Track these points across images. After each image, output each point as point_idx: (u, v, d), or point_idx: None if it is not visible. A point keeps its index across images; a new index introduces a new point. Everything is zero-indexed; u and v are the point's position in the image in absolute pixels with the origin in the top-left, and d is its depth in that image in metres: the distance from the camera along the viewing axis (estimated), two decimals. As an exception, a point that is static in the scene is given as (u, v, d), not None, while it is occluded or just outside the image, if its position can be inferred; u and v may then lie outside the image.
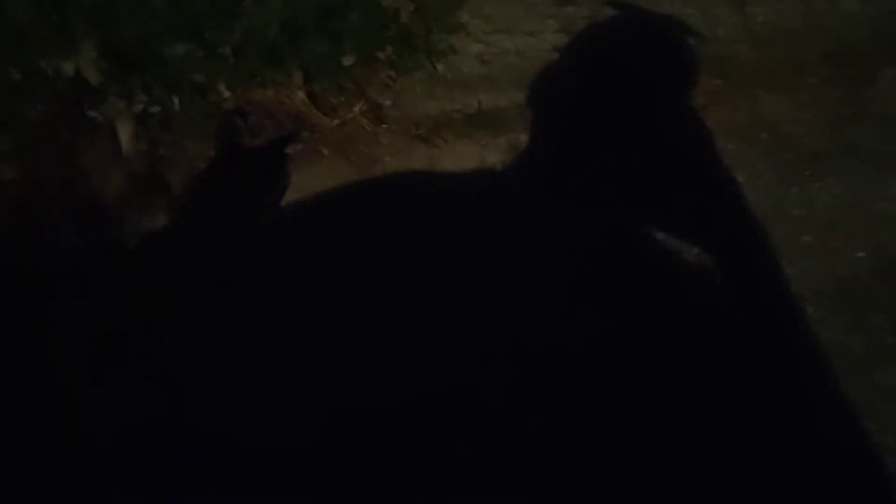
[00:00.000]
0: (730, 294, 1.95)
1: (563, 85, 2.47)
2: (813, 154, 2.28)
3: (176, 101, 2.21)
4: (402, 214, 2.07)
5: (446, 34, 2.50)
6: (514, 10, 2.62)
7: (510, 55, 2.49)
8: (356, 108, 2.28)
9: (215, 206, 2.09)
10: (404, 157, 2.22)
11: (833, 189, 2.20)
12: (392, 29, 2.45)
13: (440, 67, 2.43)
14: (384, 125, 2.28)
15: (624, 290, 1.93)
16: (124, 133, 2.05)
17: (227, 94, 2.24)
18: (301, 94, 2.27)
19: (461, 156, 2.25)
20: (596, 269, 1.98)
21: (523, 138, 2.30)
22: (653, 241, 2.05)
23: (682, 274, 2.00)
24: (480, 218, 2.08)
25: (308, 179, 2.15)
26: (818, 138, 2.33)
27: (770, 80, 2.46)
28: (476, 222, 2.07)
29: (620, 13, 2.67)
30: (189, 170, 2.12)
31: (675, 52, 2.59)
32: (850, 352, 1.81)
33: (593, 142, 2.32)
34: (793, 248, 2.04)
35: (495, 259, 1.96)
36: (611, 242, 2.07)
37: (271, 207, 2.06)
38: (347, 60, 2.34)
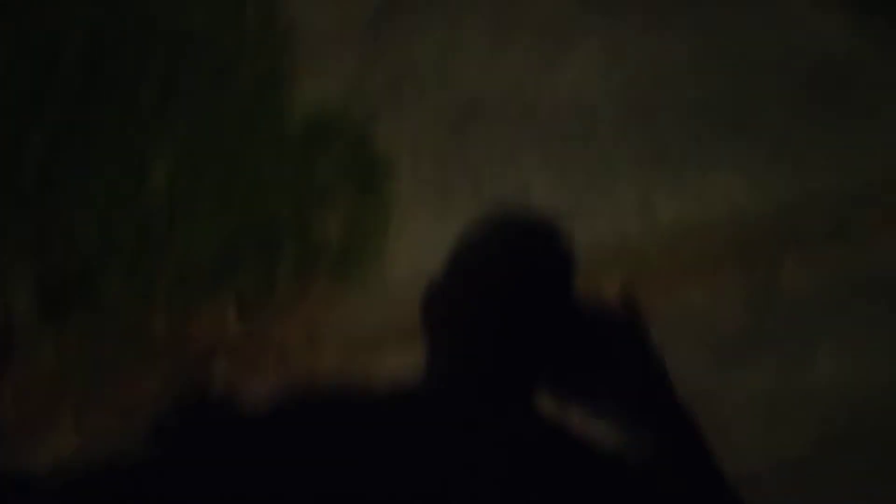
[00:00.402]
0: (676, 488, 1.95)
1: (466, 294, 2.54)
2: (738, 341, 2.39)
3: (110, 338, 2.18)
4: (338, 430, 2.04)
5: (377, 252, 2.59)
6: (440, 227, 2.73)
7: (439, 264, 2.57)
8: (291, 329, 2.29)
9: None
10: (343, 375, 2.22)
11: (766, 373, 2.29)
12: (325, 249, 2.52)
13: (373, 285, 2.48)
14: (321, 345, 2.28)
15: (563, 489, 1.91)
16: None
17: (161, 325, 2.22)
18: (235, 319, 2.27)
19: (400, 370, 2.26)
20: (534, 469, 1.97)
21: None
22: (590, 441, 2.06)
23: (623, 471, 2.00)
24: (417, 429, 2.08)
25: (245, 406, 2.10)
26: (742, 324, 2.44)
27: (684, 272, 2.60)
28: (413, 433, 2.06)
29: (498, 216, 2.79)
30: (119, 412, 2.06)
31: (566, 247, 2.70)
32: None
33: (512, 348, 2.37)
34: (736, 434, 2.07)
35: (433, 468, 1.94)
36: (547, 442, 2.07)
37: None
38: (281, 279, 2.38)
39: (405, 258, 2.58)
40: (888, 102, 3.51)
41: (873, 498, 2.01)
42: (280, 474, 1.86)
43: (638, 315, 2.43)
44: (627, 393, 2.22)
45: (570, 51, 3.80)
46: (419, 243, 2.65)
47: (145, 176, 2.60)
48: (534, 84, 3.55)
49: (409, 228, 2.70)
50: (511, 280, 2.56)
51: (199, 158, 2.71)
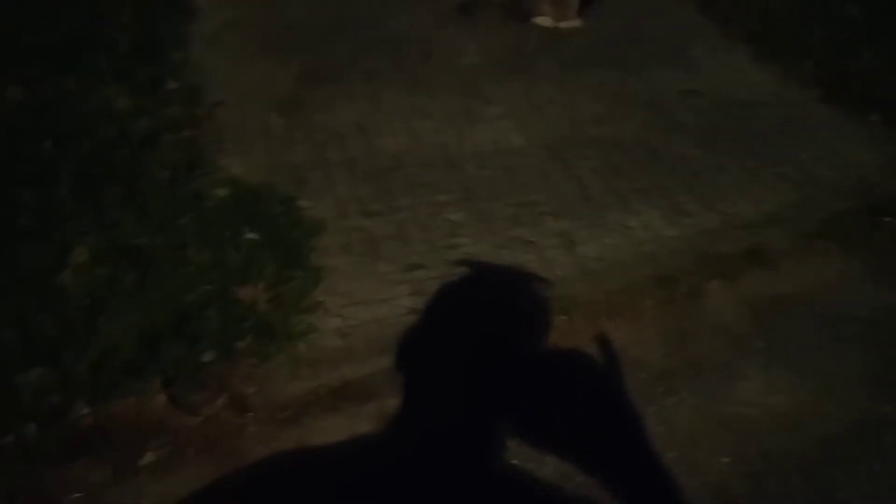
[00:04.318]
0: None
1: (429, 344, 2.57)
2: (663, 371, 2.43)
3: (32, 428, 2.15)
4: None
5: (305, 315, 2.59)
6: (368, 282, 2.76)
7: (368, 325, 2.59)
8: (219, 403, 2.27)
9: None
10: (273, 443, 2.20)
11: (688, 402, 2.33)
12: (250, 319, 2.52)
13: (301, 348, 2.48)
14: (249, 414, 2.27)
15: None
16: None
17: (85, 411, 2.20)
18: (162, 399, 2.25)
19: (331, 431, 2.26)
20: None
21: (391, 402, 2.34)
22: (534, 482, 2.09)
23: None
24: (358, 487, 2.07)
25: (177, 486, 2.07)
26: (665, 356, 2.49)
27: (610, 309, 2.65)
28: (354, 492, 2.05)
29: (469, 270, 2.85)
30: (48, 499, 2.02)
31: (525, 297, 2.76)
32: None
33: (464, 393, 2.39)
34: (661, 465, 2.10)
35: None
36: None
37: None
38: (207, 357, 2.37)
39: (333, 317, 2.60)
40: (788, 136, 3.68)
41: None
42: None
43: (610, 356, 2.48)
44: (563, 433, 2.25)
45: (487, 105, 3.92)
46: (348, 300, 2.67)
47: (65, 263, 2.60)
48: (454, 137, 3.63)
49: (338, 287, 2.72)
50: (459, 331, 2.59)
51: (120, 240, 2.71)
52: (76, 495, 2.07)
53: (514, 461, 2.17)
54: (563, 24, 4.97)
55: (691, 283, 2.78)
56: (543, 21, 4.99)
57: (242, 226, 2.90)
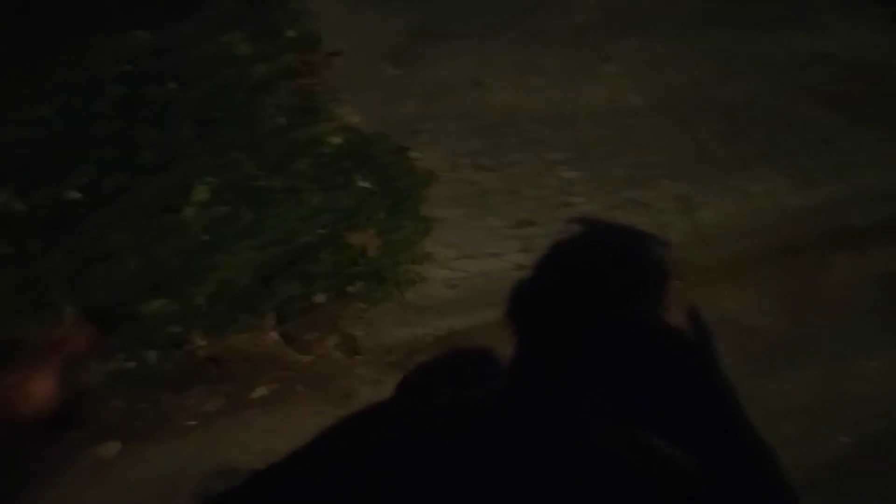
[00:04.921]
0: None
1: (538, 303, 2.54)
2: (781, 343, 2.32)
3: (152, 354, 2.24)
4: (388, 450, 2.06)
5: (413, 264, 2.61)
6: (477, 235, 2.74)
7: (476, 278, 2.58)
8: (329, 343, 2.32)
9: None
10: (380, 385, 2.23)
11: (806, 375, 2.22)
12: (361, 264, 2.56)
13: (409, 295, 2.50)
14: (358, 356, 2.31)
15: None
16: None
17: (202, 342, 2.28)
18: (275, 335, 2.32)
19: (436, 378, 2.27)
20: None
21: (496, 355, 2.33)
22: (644, 446, 2.03)
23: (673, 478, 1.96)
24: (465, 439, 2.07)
25: (286, 420, 2.13)
26: (783, 328, 2.38)
27: (726, 276, 2.55)
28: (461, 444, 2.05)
29: (584, 228, 2.79)
30: (164, 423, 2.12)
31: (643, 260, 2.69)
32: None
33: (574, 355, 2.35)
34: (775, 439, 2.01)
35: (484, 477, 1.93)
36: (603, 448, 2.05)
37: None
38: (319, 298, 2.42)
39: (442, 268, 2.60)
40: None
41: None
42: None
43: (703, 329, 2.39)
44: (675, 403, 2.19)
45: (604, 62, 3.79)
46: (456, 252, 2.67)
47: (186, 200, 2.69)
48: (569, 94, 3.54)
49: (447, 238, 2.72)
50: (571, 291, 2.55)
51: (238, 180, 2.79)
52: (190, 422, 2.16)
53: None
54: (685, -18, 4.76)
55: (816, 255, 2.64)
56: (665, -22, 4.80)
57: (355, 173, 2.94)
